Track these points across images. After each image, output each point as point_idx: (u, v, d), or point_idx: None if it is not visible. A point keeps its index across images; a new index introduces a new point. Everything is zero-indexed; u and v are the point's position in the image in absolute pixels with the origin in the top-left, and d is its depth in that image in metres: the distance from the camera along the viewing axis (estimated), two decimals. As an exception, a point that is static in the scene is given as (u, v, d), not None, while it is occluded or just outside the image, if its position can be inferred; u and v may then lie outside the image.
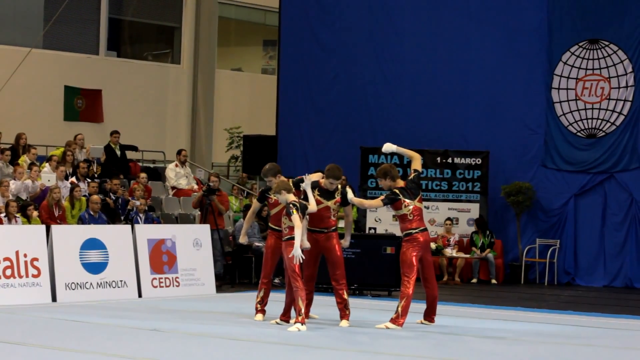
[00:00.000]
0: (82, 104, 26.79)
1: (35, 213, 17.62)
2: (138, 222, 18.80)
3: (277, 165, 13.75)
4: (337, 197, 13.32)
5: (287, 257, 12.74)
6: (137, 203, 19.49)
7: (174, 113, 29.03)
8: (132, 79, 27.90)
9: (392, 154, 13.81)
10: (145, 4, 29.43)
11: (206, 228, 18.15)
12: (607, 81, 22.23)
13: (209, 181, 20.59)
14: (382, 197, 13.26)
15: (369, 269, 17.98)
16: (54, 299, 15.49)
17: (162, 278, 16.89)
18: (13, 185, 18.66)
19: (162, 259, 16.96)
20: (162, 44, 30.71)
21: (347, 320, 13.26)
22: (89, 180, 20.02)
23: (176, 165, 22.96)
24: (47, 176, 19.29)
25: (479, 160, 22.85)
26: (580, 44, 22.42)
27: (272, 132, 26.14)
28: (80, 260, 15.95)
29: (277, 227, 13.44)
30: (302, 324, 12.54)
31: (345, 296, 13.26)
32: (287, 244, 12.80)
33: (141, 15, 29.60)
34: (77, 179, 19.99)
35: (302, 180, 13.18)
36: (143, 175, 21.58)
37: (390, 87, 24.27)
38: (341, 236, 13.69)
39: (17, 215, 17.19)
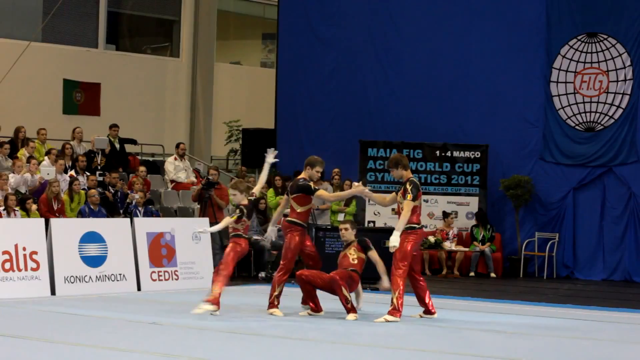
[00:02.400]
0: (81, 98, 26.76)
1: (34, 206, 17.61)
2: (137, 216, 18.80)
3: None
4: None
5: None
6: (136, 196, 19.47)
7: (173, 106, 29.00)
8: (131, 73, 27.86)
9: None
10: (144, -3, 29.45)
11: (205, 221, 18.12)
12: (606, 74, 22.23)
13: (208, 174, 20.58)
14: (408, 195, 13.09)
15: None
16: (53, 292, 15.50)
17: (161, 271, 16.90)
18: (12, 178, 18.66)
19: (161, 252, 16.98)
20: (161, 37, 30.67)
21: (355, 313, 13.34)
22: (88, 173, 20.02)
23: (175, 159, 22.96)
24: (46, 169, 19.27)
25: (477, 154, 22.84)
26: (579, 38, 22.42)
27: (271, 125, 26.14)
28: (79, 254, 15.96)
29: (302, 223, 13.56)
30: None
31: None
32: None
33: (140, 9, 29.56)
34: (77, 172, 19.99)
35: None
36: (142, 168, 21.58)
37: (389, 80, 24.26)
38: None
39: (16, 208, 17.19)
